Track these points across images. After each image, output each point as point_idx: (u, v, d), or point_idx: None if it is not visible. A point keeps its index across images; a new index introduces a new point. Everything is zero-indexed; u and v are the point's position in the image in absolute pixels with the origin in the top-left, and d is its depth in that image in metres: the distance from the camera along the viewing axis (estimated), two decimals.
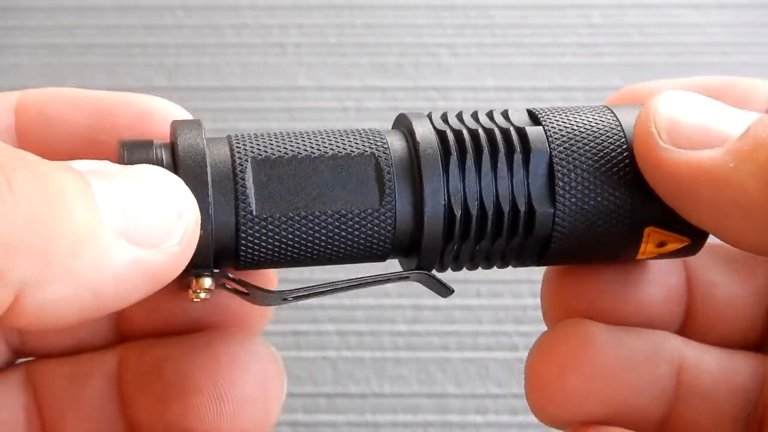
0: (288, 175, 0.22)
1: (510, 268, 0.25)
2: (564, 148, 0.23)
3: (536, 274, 0.44)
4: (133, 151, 0.22)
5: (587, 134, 0.23)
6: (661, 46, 0.51)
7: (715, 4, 0.52)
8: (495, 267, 0.24)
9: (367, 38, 0.52)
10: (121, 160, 0.22)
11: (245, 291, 0.23)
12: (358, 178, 0.22)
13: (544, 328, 0.42)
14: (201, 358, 0.25)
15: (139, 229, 0.20)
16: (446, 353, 0.42)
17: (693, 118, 0.22)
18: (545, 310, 0.27)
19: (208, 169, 0.21)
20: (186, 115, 0.25)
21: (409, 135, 0.23)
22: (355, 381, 0.42)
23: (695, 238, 0.24)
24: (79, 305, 0.19)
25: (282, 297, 0.22)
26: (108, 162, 0.21)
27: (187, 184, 0.21)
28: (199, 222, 0.21)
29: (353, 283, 0.23)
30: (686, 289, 0.26)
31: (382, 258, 0.23)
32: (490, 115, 0.24)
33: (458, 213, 0.22)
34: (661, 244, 0.24)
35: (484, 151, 0.23)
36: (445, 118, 0.23)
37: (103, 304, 0.19)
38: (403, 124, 0.24)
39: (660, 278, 0.26)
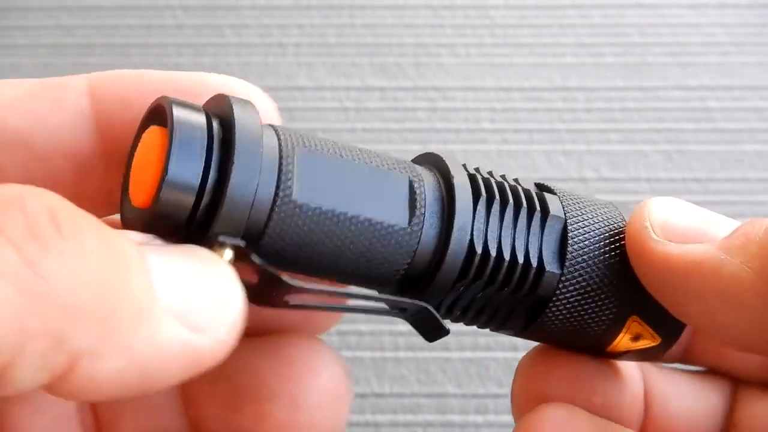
0: (328, 172, 0.21)
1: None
2: (577, 220, 0.24)
3: None
4: (181, 111, 0.20)
5: (597, 216, 0.25)
6: (661, 46, 0.51)
7: (715, 4, 0.52)
8: (476, 326, 0.25)
9: (367, 38, 0.52)
10: (169, 119, 0.20)
11: (250, 284, 0.22)
12: (392, 194, 0.22)
13: None
14: (273, 362, 0.24)
15: (191, 311, 0.19)
16: (446, 353, 0.42)
17: (684, 218, 0.24)
18: (518, 401, 0.27)
19: (263, 141, 0.20)
20: (265, 97, 0.24)
21: (439, 171, 0.23)
22: (355, 381, 0.42)
23: (666, 339, 0.25)
24: (125, 382, 0.18)
25: (284, 299, 0.22)
26: (154, 236, 0.20)
27: (238, 156, 0.20)
28: (246, 313, 0.20)
29: (355, 307, 0.23)
30: (644, 398, 0.28)
31: (387, 285, 0.23)
32: (503, 176, 0.25)
33: (479, 251, 0.22)
34: (636, 338, 0.25)
35: (510, 203, 0.23)
36: (466, 167, 0.24)
37: (145, 383, 0.18)
38: (430, 161, 0.24)
39: (627, 380, 0.27)
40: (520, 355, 0.41)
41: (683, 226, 0.24)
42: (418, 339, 0.44)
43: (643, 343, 0.25)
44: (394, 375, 0.42)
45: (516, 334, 0.26)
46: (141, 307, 0.18)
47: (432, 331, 0.23)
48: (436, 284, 0.22)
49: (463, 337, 0.42)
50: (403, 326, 0.43)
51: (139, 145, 0.21)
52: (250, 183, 0.20)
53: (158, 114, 0.21)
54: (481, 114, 0.48)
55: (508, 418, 0.39)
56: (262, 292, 0.22)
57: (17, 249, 0.16)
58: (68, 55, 0.51)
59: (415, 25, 0.52)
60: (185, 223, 0.20)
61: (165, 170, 0.19)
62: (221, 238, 0.20)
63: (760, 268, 0.21)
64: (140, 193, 0.20)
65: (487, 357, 0.42)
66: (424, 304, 0.23)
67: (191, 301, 0.19)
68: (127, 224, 0.21)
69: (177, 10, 0.53)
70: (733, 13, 0.52)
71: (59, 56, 0.51)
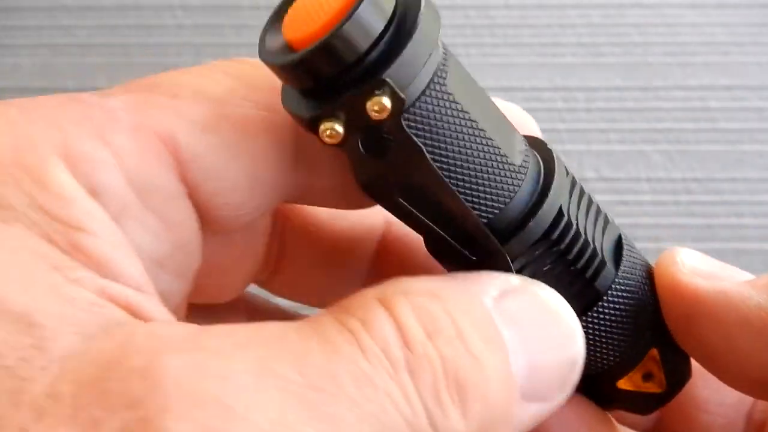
0: (467, 86, 0.22)
1: None
2: (626, 238, 0.25)
3: None
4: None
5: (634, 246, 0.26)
6: (661, 46, 0.51)
7: (715, 4, 0.52)
8: None
9: None
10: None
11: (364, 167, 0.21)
12: (509, 135, 0.23)
13: None
14: None
15: (541, 384, 0.20)
16: None
17: (709, 264, 0.25)
18: None
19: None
20: (527, 117, 0.26)
21: (531, 144, 0.24)
22: None
23: (670, 388, 0.26)
24: None
25: (396, 198, 0.22)
26: (510, 276, 0.21)
27: (423, 19, 0.20)
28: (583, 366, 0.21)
29: (439, 232, 0.23)
30: None
31: (482, 218, 0.23)
32: None
33: (566, 216, 0.23)
34: (646, 377, 0.26)
35: (586, 194, 0.24)
36: None
37: None
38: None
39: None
40: None
41: (709, 268, 0.25)
42: None
43: (650, 387, 0.26)
44: None
45: None
46: (499, 419, 0.19)
47: None
48: (522, 236, 0.22)
49: None
50: None
51: None
52: (426, 46, 0.20)
53: None
54: None
55: None
56: (379, 179, 0.21)
57: (428, 412, 0.18)
58: (68, 55, 0.51)
59: None
60: (349, 65, 0.20)
61: (356, 7, 0.20)
62: (390, 81, 0.20)
63: None
64: (307, 29, 0.20)
65: None
66: (503, 251, 0.22)
67: (543, 374, 0.20)
68: (270, 59, 0.21)
69: (177, 10, 0.53)
70: (733, 13, 0.52)
71: (59, 56, 0.51)
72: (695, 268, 0.24)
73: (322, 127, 0.20)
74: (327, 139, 0.20)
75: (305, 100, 0.21)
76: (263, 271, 0.27)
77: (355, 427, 0.17)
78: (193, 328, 0.18)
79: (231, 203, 0.21)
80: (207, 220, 0.22)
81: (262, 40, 0.22)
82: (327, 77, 0.20)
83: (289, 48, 0.21)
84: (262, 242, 0.26)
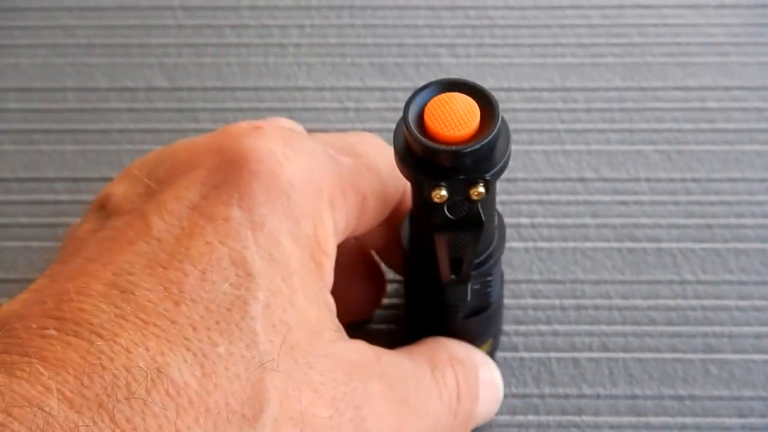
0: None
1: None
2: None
3: (536, 274, 0.44)
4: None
5: None
6: (661, 46, 0.51)
7: (715, 4, 0.52)
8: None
9: (367, 39, 0.52)
10: (496, 107, 0.30)
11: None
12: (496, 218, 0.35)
13: (544, 327, 0.42)
14: None
15: (485, 412, 0.36)
16: None
17: None
18: None
19: None
20: None
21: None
22: None
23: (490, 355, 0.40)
24: None
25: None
26: (489, 362, 0.37)
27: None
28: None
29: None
30: None
31: None
32: None
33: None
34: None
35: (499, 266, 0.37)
36: None
37: None
38: None
39: None
40: (521, 354, 0.41)
41: None
42: None
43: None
44: None
45: None
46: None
47: None
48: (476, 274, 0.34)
49: None
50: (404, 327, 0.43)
51: (450, 101, 0.29)
52: (506, 162, 0.30)
53: (451, 86, 0.30)
54: None
55: (508, 418, 0.39)
56: (442, 228, 0.31)
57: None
58: (68, 55, 0.51)
59: (415, 25, 0.52)
60: (473, 162, 0.29)
61: (494, 128, 0.29)
62: (490, 180, 0.29)
63: None
64: (451, 131, 0.28)
65: None
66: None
67: (486, 415, 0.36)
68: (428, 143, 0.29)
69: (177, 11, 0.53)
70: (733, 13, 0.52)
71: (59, 56, 0.51)
72: None
73: (436, 191, 0.29)
74: (436, 199, 0.29)
75: (422, 168, 0.29)
76: None
77: (429, 428, 0.32)
78: (374, 352, 0.31)
79: (361, 232, 0.35)
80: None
81: (407, 108, 0.30)
82: (457, 163, 0.29)
83: (427, 134, 0.29)
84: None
